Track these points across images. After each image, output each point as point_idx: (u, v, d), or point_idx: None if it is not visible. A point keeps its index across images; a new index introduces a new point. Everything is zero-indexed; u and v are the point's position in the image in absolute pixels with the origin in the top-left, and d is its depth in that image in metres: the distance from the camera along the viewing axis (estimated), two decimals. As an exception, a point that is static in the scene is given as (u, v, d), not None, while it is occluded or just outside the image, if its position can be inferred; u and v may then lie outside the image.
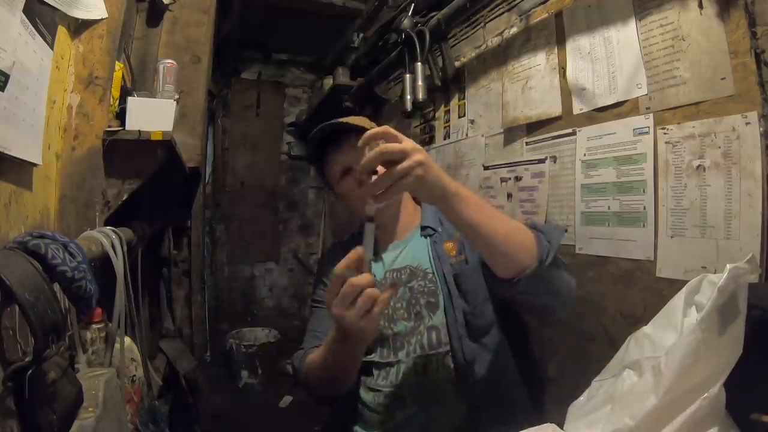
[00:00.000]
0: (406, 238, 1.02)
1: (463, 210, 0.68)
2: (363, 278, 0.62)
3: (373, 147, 0.62)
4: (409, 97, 1.79)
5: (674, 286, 0.91)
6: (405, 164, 0.61)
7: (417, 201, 1.07)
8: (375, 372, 0.94)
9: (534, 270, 0.71)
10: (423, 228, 1.01)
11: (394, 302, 0.95)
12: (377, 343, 0.94)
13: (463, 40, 1.83)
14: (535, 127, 1.44)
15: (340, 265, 0.64)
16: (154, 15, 1.62)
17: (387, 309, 0.92)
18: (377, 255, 1.01)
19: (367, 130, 0.78)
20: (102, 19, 1.09)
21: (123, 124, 1.13)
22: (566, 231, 0.85)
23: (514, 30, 1.49)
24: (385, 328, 0.94)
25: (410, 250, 1.00)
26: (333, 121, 0.93)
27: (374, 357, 0.94)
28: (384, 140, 0.63)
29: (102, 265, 0.93)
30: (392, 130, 0.64)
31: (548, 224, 0.91)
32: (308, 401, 1.01)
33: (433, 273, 0.95)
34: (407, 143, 0.63)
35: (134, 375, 1.11)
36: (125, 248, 1.01)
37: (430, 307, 0.93)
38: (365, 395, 0.94)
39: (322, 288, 1.07)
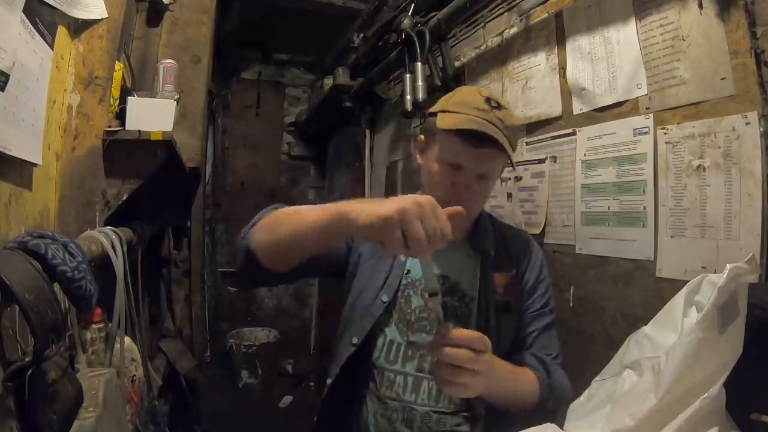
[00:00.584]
0: (455, 244, 0.90)
1: (494, 398, 0.81)
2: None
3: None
4: (409, 97, 1.78)
5: (674, 286, 0.91)
6: (469, 366, 0.66)
7: (482, 212, 1.00)
8: (377, 377, 0.89)
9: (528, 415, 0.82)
10: (475, 244, 0.95)
11: (419, 311, 0.90)
12: (387, 344, 0.90)
13: (463, 40, 1.83)
14: (535, 127, 1.44)
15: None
16: (154, 15, 1.62)
17: (410, 315, 0.90)
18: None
19: (505, 151, 0.82)
20: (102, 19, 1.09)
21: (123, 124, 1.14)
22: (569, 398, 0.88)
23: (514, 30, 1.49)
24: (402, 333, 0.90)
25: (454, 260, 0.93)
26: (491, 132, 0.80)
27: (380, 360, 0.90)
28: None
29: (102, 265, 0.93)
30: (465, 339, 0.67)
31: (562, 380, 0.90)
32: (307, 401, 0.99)
33: (473, 300, 0.90)
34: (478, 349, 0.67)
35: (134, 375, 1.11)
36: (125, 248, 1.01)
37: None
38: (370, 402, 0.90)
39: (348, 241, 0.95)
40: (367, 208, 0.61)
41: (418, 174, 0.97)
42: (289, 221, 0.74)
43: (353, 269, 0.95)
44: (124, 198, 1.14)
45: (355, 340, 0.90)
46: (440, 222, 0.59)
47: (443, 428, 0.85)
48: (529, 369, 0.87)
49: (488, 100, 0.84)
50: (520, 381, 0.84)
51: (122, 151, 1.12)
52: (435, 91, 1.95)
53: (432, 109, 0.90)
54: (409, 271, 0.93)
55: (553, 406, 0.85)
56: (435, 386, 0.86)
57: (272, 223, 0.77)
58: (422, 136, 0.94)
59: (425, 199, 0.59)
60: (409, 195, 0.61)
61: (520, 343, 0.94)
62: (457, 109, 0.84)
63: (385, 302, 0.90)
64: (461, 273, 0.93)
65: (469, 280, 0.93)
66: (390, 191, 2.50)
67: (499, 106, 0.84)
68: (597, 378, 0.85)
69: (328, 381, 0.93)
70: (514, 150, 0.85)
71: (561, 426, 0.79)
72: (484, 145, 0.81)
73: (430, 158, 0.89)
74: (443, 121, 0.83)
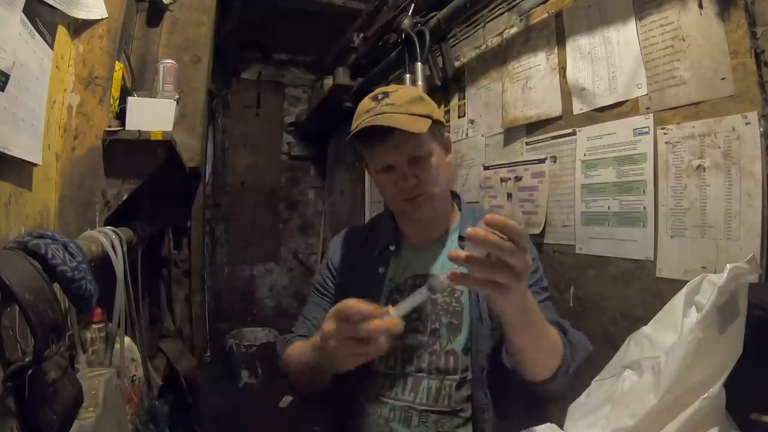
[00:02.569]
0: (438, 241, 0.94)
1: (520, 333, 0.68)
2: (382, 323, 0.57)
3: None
4: (409, 97, 1.78)
5: (674, 286, 0.91)
6: (512, 262, 0.52)
7: (453, 196, 1.00)
8: (379, 381, 0.89)
9: (551, 382, 0.75)
10: (458, 238, 0.93)
11: (409, 313, 0.91)
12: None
13: (463, 40, 1.83)
14: (535, 127, 1.44)
15: (355, 308, 0.57)
16: (154, 15, 1.63)
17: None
18: (399, 253, 0.95)
19: (413, 133, 0.78)
20: (102, 19, 1.09)
21: (123, 124, 1.13)
22: (590, 350, 0.83)
23: (514, 30, 1.49)
24: (395, 337, 0.90)
25: (438, 257, 0.92)
26: (379, 122, 0.80)
27: (380, 366, 0.89)
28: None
29: (102, 265, 0.93)
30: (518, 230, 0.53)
31: (579, 336, 0.83)
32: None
33: (462, 293, 0.89)
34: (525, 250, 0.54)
35: (134, 375, 1.11)
36: (125, 248, 1.01)
37: (451, 329, 0.87)
38: (367, 403, 0.89)
39: (325, 274, 1.00)
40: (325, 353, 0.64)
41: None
42: (300, 377, 0.86)
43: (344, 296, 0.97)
44: (124, 198, 1.14)
45: None
46: (353, 329, 0.57)
47: (441, 428, 0.85)
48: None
49: (375, 97, 0.86)
50: (548, 326, 0.74)
51: (122, 151, 1.12)
52: (435, 91, 1.95)
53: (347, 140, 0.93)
54: (391, 278, 0.93)
55: (575, 367, 0.78)
56: (434, 386, 0.85)
57: (293, 377, 0.90)
58: (365, 164, 0.98)
59: (334, 317, 0.60)
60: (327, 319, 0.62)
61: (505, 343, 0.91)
62: (355, 124, 0.87)
63: None
64: (445, 268, 0.90)
65: None
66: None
67: (386, 94, 0.85)
68: (597, 378, 0.85)
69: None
70: (428, 117, 0.83)
71: (561, 426, 0.80)
72: (385, 135, 0.81)
73: (372, 176, 0.94)
74: (347, 139, 0.87)
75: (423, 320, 0.89)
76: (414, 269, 0.92)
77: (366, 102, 0.88)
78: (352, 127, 0.87)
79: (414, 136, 0.81)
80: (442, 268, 0.90)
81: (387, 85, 2.54)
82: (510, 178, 1.53)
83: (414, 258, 0.93)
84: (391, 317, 0.58)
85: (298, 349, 0.87)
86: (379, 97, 0.85)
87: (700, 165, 0.96)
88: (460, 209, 0.99)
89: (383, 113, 0.82)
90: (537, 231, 1.38)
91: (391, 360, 0.89)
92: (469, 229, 0.52)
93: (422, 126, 0.80)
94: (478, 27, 1.72)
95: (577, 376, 0.79)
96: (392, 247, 0.95)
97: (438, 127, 0.89)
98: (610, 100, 1.18)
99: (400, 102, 0.83)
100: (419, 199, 0.86)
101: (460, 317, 0.88)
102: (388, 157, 0.85)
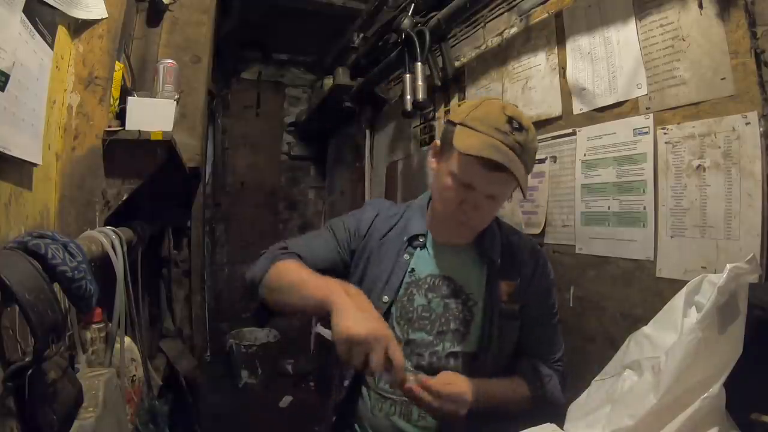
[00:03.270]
0: (460, 247, 0.95)
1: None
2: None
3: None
4: (409, 97, 1.78)
5: (674, 286, 0.91)
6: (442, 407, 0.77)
7: (496, 220, 0.99)
8: (378, 374, 0.89)
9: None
10: (482, 250, 0.94)
11: (420, 310, 0.91)
12: None
13: (463, 40, 1.83)
14: (535, 127, 1.43)
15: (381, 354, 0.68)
16: (154, 15, 1.62)
17: (411, 313, 0.92)
18: (426, 247, 0.95)
19: (516, 177, 0.80)
20: (102, 19, 1.09)
21: (123, 124, 1.13)
22: (561, 403, 0.93)
23: (514, 30, 1.49)
24: (402, 330, 0.91)
25: (460, 264, 0.94)
26: (507, 164, 0.78)
27: None
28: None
29: (102, 265, 0.93)
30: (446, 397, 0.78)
31: (553, 396, 0.93)
32: (307, 401, 1.00)
33: (476, 304, 0.91)
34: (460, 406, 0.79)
35: (134, 375, 1.11)
36: (125, 248, 1.01)
37: (457, 335, 0.90)
38: (368, 396, 0.92)
39: (349, 228, 0.98)
40: (345, 317, 0.69)
41: (433, 179, 0.97)
42: (288, 289, 0.84)
43: (359, 269, 0.97)
44: (124, 198, 1.14)
45: None
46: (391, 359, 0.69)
47: (440, 425, 0.86)
48: (522, 382, 0.92)
49: (510, 120, 0.81)
50: (510, 399, 0.89)
51: (122, 151, 1.12)
52: (435, 91, 1.95)
53: (452, 117, 0.88)
54: (413, 270, 0.93)
55: (542, 410, 0.90)
56: None
57: (276, 283, 0.86)
58: (438, 141, 0.92)
59: (387, 335, 0.69)
60: (378, 319, 0.72)
61: (522, 347, 0.96)
62: (478, 127, 0.81)
63: (386, 302, 0.92)
64: (467, 277, 0.93)
65: (475, 284, 0.93)
66: (390, 191, 2.50)
67: (520, 128, 0.81)
68: (597, 378, 0.85)
69: (345, 383, 0.94)
70: (529, 172, 0.85)
71: (561, 426, 0.79)
72: (499, 169, 0.79)
73: (443, 169, 0.88)
74: (462, 141, 0.81)
75: (432, 321, 0.90)
76: (434, 268, 0.94)
77: (499, 116, 0.82)
78: (468, 121, 0.82)
79: (511, 183, 0.82)
80: (458, 273, 0.94)
81: (387, 84, 2.54)
82: (510, 178, 1.53)
83: (437, 257, 0.94)
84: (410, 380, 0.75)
85: (294, 270, 0.84)
86: (515, 125, 0.81)
87: (700, 165, 0.96)
88: (492, 230, 0.98)
89: (512, 148, 0.79)
90: (537, 231, 1.38)
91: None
92: (406, 386, 0.74)
93: (523, 178, 0.81)
94: (478, 27, 1.72)
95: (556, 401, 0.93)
96: (422, 239, 0.96)
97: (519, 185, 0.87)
98: (610, 100, 1.18)
99: (528, 146, 0.82)
100: (468, 225, 0.88)
101: (469, 326, 0.90)
102: (480, 181, 0.82)
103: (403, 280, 0.93)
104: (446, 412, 0.77)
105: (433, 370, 0.86)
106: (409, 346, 0.90)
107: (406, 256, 0.94)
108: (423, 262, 0.94)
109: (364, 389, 0.93)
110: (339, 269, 0.96)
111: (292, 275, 0.84)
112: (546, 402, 0.90)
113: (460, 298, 0.92)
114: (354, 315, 0.68)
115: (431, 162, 0.94)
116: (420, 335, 0.90)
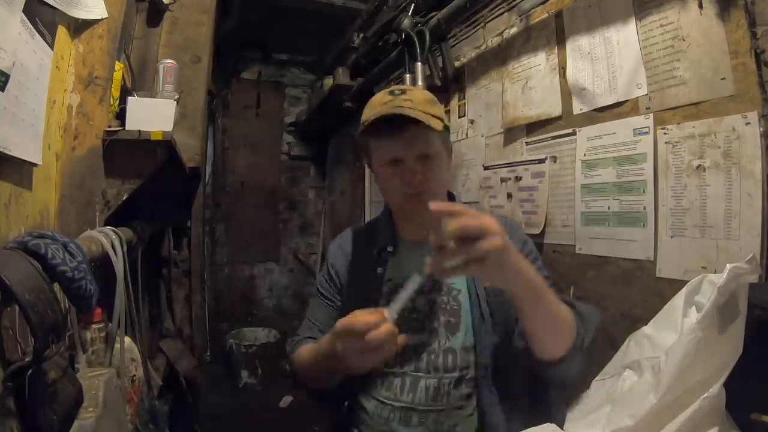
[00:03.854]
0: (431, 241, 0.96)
1: (528, 307, 0.69)
2: (382, 332, 0.64)
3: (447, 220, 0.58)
4: (409, 97, 1.78)
5: (674, 286, 0.91)
6: (485, 245, 0.56)
7: (451, 196, 1.00)
8: (377, 381, 0.89)
9: (568, 360, 0.74)
10: None
11: (407, 314, 0.89)
12: None
13: (463, 40, 1.83)
14: (535, 127, 1.44)
15: (360, 322, 0.65)
16: (154, 15, 1.62)
17: (398, 321, 0.90)
18: (396, 253, 0.95)
19: (429, 126, 0.80)
20: (102, 19, 1.09)
21: (123, 124, 1.13)
22: (602, 319, 0.83)
23: (514, 30, 1.49)
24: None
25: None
26: (399, 112, 0.81)
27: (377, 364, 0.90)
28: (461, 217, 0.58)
29: (102, 265, 0.93)
30: (469, 212, 0.59)
31: (588, 308, 0.82)
32: (307, 401, 1.00)
33: (460, 292, 0.90)
34: (488, 222, 0.58)
35: (134, 375, 1.11)
36: (125, 248, 1.01)
37: (449, 327, 0.88)
38: (367, 403, 0.90)
39: (327, 278, 1.01)
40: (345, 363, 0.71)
41: (378, 185, 0.98)
42: (309, 366, 0.89)
43: (344, 300, 0.98)
44: (124, 198, 1.14)
45: None
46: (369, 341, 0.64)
47: (441, 428, 0.85)
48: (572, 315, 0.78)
49: (391, 91, 0.87)
50: (557, 300, 0.73)
51: (122, 151, 1.12)
52: (435, 91, 1.95)
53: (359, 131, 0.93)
54: (390, 279, 0.93)
55: (589, 341, 0.77)
56: (432, 385, 0.85)
57: (302, 373, 0.93)
58: (363, 159, 0.97)
59: (343, 335, 0.68)
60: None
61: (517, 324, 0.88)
62: (368, 113, 0.87)
63: None
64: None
65: None
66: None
67: (403, 92, 0.86)
68: (597, 378, 0.85)
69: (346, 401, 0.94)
70: (440, 119, 0.86)
71: (561, 426, 0.79)
72: (401, 129, 0.82)
73: (375, 170, 0.93)
74: (364, 130, 0.86)
75: (422, 320, 0.89)
76: (410, 269, 0.91)
77: (381, 95, 0.88)
78: (364, 117, 0.87)
79: (427, 134, 0.84)
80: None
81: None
82: (510, 178, 1.53)
83: (410, 258, 0.94)
84: (388, 321, 0.65)
85: (308, 352, 0.90)
86: (396, 92, 0.86)
87: (700, 165, 0.96)
88: None
89: (401, 107, 0.82)
90: (537, 231, 1.38)
91: (390, 358, 0.88)
92: (433, 204, 0.58)
93: (437, 125, 0.83)
94: (478, 27, 1.72)
95: (590, 354, 0.78)
96: (390, 248, 0.96)
97: (447, 132, 0.92)
98: (610, 100, 1.18)
99: (417, 100, 0.84)
100: (422, 197, 0.85)
101: (458, 315, 0.88)
102: (399, 150, 0.85)
103: (382, 291, 0.92)
104: (479, 254, 0.57)
105: (435, 370, 0.86)
106: (405, 350, 0.87)
107: (380, 269, 0.94)
108: (397, 269, 0.93)
109: (361, 396, 0.91)
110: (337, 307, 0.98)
111: (306, 356, 0.90)
112: (584, 320, 0.77)
113: (443, 290, 0.90)
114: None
115: (373, 177, 0.98)
116: (413, 337, 0.88)
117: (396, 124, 0.82)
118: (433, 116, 0.83)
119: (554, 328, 0.73)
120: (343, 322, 0.67)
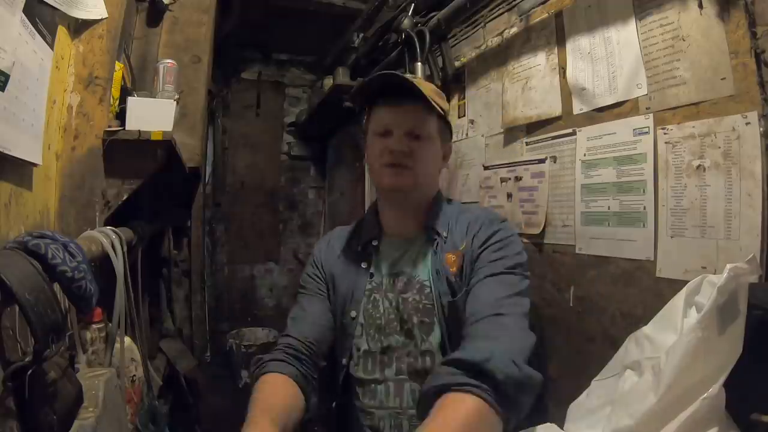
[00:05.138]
0: (411, 237, 0.93)
1: None
2: None
3: None
4: (409, 97, 1.78)
5: (674, 286, 0.91)
6: None
7: (439, 196, 0.97)
8: (359, 390, 0.88)
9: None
10: (429, 231, 0.90)
11: (387, 313, 0.88)
12: (362, 356, 0.89)
13: (463, 40, 1.83)
14: (535, 127, 1.44)
15: None
16: (154, 15, 1.63)
17: (380, 319, 0.89)
18: (379, 248, 0.94)
19: (429, 108, 0.83)
20: (102, 19, 1.09)
21: (123, 124, 1.14)
22: (538, 388, 0.66)
23: (514, 30, 1.49)
24: (375, 340, 0.88)
25: (412, 254, 0.91)
26: (407, 76, 0.84)
27: (358, 372, 0.89)
28: None
29: (102, 265, 0.93)
30: None
31: (525, 375, 0.65)
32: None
33: (432, 289, 0.86)
34: None
35: (134, 375, 1.11)
36: (125, 248, 1.01)
37: (423, 327, 0.85)
38: (357, 411, 0.90)
39: (312, 272, 0.98)
40: None
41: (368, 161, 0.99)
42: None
43: (331, 293, 0.97)
44: (124, 198, 1.14)
45: (344, 361, 0.91)
46: None
47: None
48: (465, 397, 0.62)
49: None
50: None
51: (122, 151, 1.12)
52: (435, 91, 1.95)
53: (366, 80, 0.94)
54: (372, 275, 0.92)
55: (525, 409, 0.66)
56: (416, 389, 0.84)
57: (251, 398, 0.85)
58: (365, 127, 0.97)
59: None
60: None
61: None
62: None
63: (354, 317, 0.90)
64: (416, 265, 0.89)
65: (426, 270, 0.88)
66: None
67: (413, 78, 0.88)
68: (597, 378, 0.85)
69: (334, 404, 0.95)
70: (442, 109, 0.87)
71: (561, 426, 0.79)
72: (403, 100, 0.84)
73: (367, 141, 0.94)
74: (368, 78, 0.88)
75: (401, 322, 0.87)
76: (389, 267, 0.92)
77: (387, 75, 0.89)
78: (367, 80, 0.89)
79: (425, 117, 0.86)
80: (409, 263, 0.90)
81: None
82: (510, 178, 1.53)
83: (391, 254, 0.93)
84: None
85: (257, 399, 0.81)
86: (407, 75, 0.89)
87: (700, 165, 0.96)
88: (441, 208, 0.94)
89: (406, 81, 0.84)
90: (537, 231, 1.38)
91: (369, 364, 0.88)
92: None
93: (438, 107, 0.85)
94: (478, 27, 1.72)
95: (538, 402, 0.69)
96: (375, 242, 0.95)
97: (447, 128, 0.94)
98: (610, 100, 1.18)
99: (426, 86, 0.88)
100: (404, 171, 0.86)
101: (431, 314, 0.86)
102: (394, 119, 0.87)
103: (365, 288, 0.91)
104: None
105: (416, 374, 0.85)
106: (386, 354, 0.87)
107: (364, 264, 0.93)
108: (380, 264, 0.93)
109: (351, 404, 0.91)
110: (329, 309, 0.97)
111: (252, 406, 0.80)
112: (511, 400, 0.63)
113: (415, 288, 0.88)
114: None
115: (373, 177, 0.96)
116: (393, 339, 0.87)
117: (396, 97, 0.85)
118: (436, 103, 0.85)
119: None
120: None
